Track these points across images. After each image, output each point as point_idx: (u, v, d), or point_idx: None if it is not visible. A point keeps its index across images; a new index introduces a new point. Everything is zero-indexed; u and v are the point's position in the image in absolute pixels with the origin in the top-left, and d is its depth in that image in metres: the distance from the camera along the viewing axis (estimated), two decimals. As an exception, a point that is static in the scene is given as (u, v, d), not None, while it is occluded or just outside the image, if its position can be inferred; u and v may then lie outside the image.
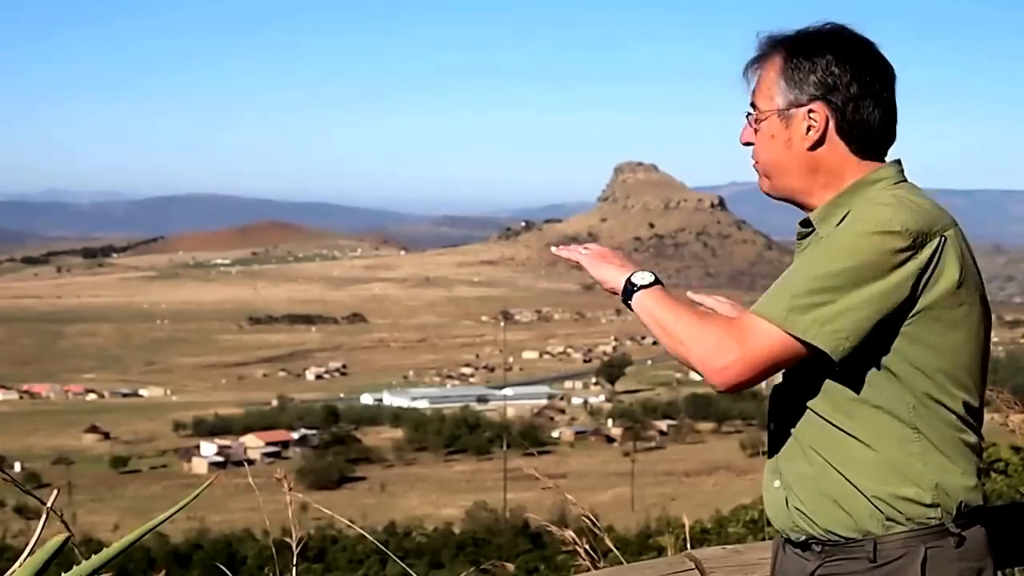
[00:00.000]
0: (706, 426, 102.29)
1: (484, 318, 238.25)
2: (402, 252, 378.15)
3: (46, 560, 1.62)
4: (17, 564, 1.64)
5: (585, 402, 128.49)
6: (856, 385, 2.03)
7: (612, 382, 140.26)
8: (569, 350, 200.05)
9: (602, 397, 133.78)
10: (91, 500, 69.11)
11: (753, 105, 2.17)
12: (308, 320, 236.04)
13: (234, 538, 43.16)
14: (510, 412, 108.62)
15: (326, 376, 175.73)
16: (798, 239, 2.20)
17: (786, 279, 2.03)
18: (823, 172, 2.12)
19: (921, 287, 1.98)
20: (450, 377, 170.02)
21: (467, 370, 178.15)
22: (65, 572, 1.64)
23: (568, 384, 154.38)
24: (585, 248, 2.28)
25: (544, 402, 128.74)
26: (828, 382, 2.05)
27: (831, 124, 2.09)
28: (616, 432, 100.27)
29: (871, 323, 1.96)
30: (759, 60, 2.17)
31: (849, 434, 2.05)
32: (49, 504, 1.75)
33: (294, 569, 3.01)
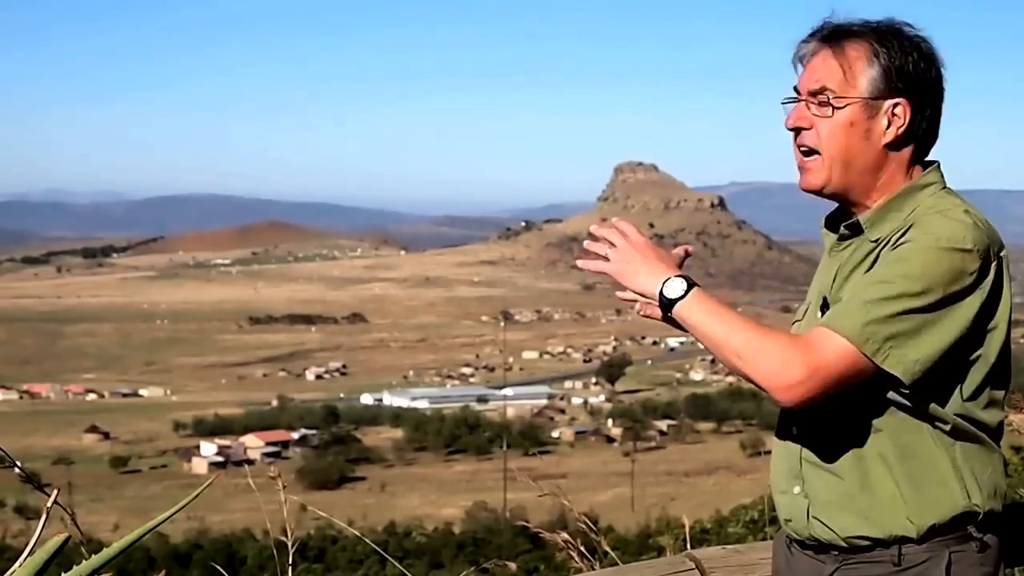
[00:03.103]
0: (706, 426, 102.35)
1: (484, 318, 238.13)
2: (402, 252, 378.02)
3: (46, 560, 1.61)
4: (17, 564, 1.63)
5: (585, 402, 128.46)
6: (898, 400, 2.00)
7: (612, 382, 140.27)
8: (569, 350, 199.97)
9: (602, 397, 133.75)
10: (91, 500, 69.09)
11: (820, 90, 2.05)
12: (308, 320, 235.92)
13: (234, 538, 43.11)
14: (510, 412, 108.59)
15: (326, 376, 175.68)
16: (839, 239, 2.13)
17: (858, 294, 1.93)
18: (887, 171, 2.06)
19: (981, 304, 1.95)
20: (450, 377, 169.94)
21: (467, 370, 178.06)
22: (65, 572, 1.63)
23: (568, 384, 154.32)
24: (609, 246, 2.09)
25: (544, 402, 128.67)
26: (867, 395, 1.99)
27: (906, 124, 2.04)
28: (616, 432, 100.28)
29: (943, 349, 1.92)
30: (836, 39, 2.06)
31: (883, 448, 2.02)
32: (49, 504, 1.74)
33: (291, 569, 3.00)
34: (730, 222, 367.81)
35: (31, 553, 1.63)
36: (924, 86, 2.04)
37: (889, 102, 2.02)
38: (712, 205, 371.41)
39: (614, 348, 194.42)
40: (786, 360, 1.88)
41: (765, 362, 1.89)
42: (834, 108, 2.03)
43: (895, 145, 2.05)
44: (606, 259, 2.08)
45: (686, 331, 2.05)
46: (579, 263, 2.16)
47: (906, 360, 1.89)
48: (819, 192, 2.10)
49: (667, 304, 2.00)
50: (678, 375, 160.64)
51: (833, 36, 2.06)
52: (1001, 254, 1.98)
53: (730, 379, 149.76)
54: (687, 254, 2.17)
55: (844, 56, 2.04)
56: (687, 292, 1.98)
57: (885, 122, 2.03)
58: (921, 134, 2.06)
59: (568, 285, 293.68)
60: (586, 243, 2.14)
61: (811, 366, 1.87)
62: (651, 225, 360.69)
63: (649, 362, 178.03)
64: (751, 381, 1.93)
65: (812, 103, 2.06)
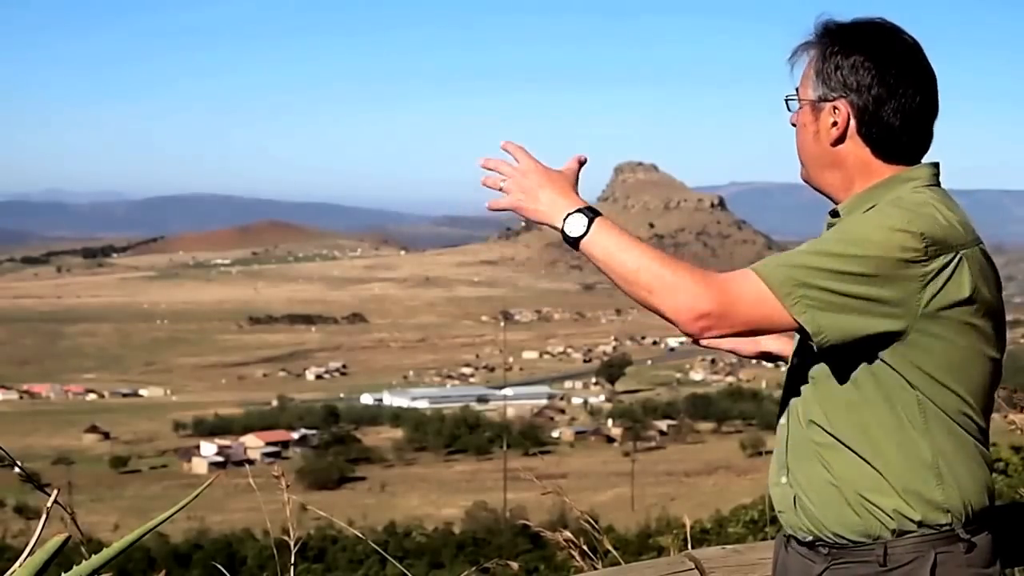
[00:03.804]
0: (706, 426, 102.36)
1: (484, 318, 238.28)
2: (402, 252, 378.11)
3: (46, 560, 1.61)
4: (17, 564, 1.63)
5: (585, 402, 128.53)
6: (868, 392, 2.02)
7: (612, 382, 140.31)
8: (569, 350, 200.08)
9: (602, 397, 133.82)
10: (91, 500, 69.13)
11: (797, 91, 2.18)
12: (308, 320, 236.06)
13: (234, 538, 43.14)
14: (510, 412, 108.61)
15: (326, 376, 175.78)
16: (828, 228, 2.16)
17: (792, 251, 2.00)
18: (847, 169, 2.11)
19: (927, 297, 1.95)
20: (450, 377, 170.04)
21: (467, 370, 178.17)
22: (65, 572, 1.63)
23: (568, 384, 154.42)
24: (506, 175, 2.10)
25: (544, 402, 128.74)
26: (843, 387, 2.03)
27: (852, 123, 2.09)
28: (616, 432, 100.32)
29: (859, 327, 1.94)
30: (804, 47, 2.16)
31: (862, 440, 2.04)
32: (49, 504, 1.75)
33: (292, 569, 3.01)
34: (730, 222, 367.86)
35: (31, 553, 1.63)
36: (868, 87, 2.07)
37: (829, 105, 2.09)
38: (712, 205, 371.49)
39: (614, 348, 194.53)
40: (697, 294, 1.89)
41: (676, 296, 1.90)
42: (797, 111, 2.17)
43: (842, 144, 2.10)
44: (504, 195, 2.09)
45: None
46: (488, 206, 2.12)
47: (815, 322, 1.92)
48: (812, 188, 2.21)
49: (572, 242, 1.99)
50: (678, 375, 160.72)
51: (807, 42, 2.15)
52: (965, 251, 1.98)
53: (730, 379, 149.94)
54: (581, 163, 2.12)
55: (805, 60, 2.15)
56: (589, 226, 1.98)
57: (830, 122, 2.10)
58: (877, 133, 2.09)
59: (568, 285, 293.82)
60: (483, 179, 2.11)
61: (723, 301, 1.88)
62: (651, 225, 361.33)
63: (649, 362, 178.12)
64: (659, 313, 1.94)
65: (789, 105, 2.20)
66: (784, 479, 2.14)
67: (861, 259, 1.91)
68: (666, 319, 1.94)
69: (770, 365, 2.56)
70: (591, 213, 1.98)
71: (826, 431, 2.06)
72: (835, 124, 2.09)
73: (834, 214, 2.15)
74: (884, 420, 2.03)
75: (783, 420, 2.17)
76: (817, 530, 2.08)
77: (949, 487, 2.02)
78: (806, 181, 2.21)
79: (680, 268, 1.92)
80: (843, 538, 2.05)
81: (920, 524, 2.01)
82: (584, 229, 1.97)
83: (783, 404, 2.19)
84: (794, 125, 2.18)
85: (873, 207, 2.04)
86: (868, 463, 2.03)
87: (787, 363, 2.36)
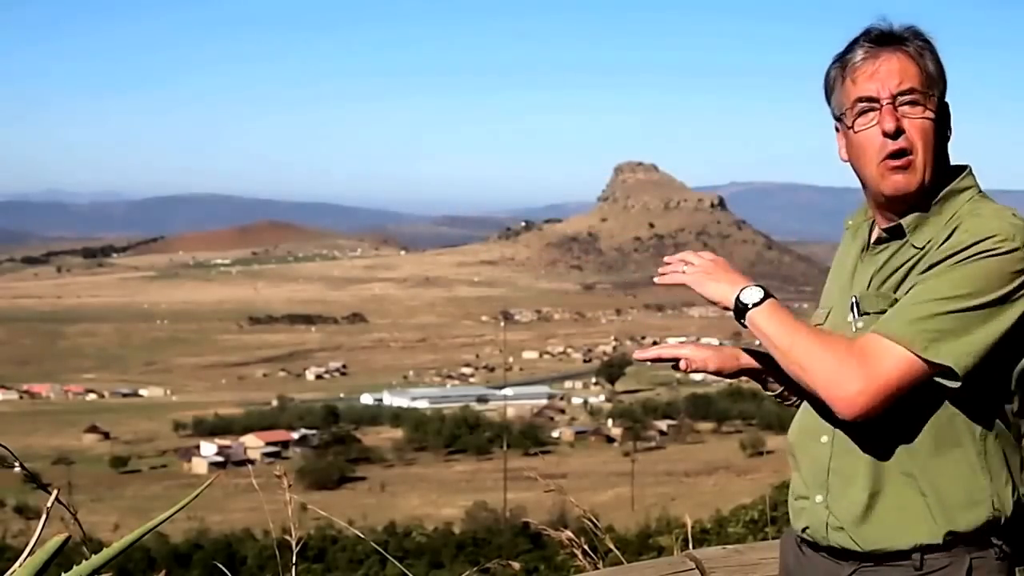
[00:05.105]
0: (706, 426, 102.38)
1: (484, 318, 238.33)
2: (402, 252, 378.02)
3: (46, 560, 1.61)
4: (17, 564, 1.63)
5: (585, 402, 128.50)
6: (919, 413, 2.00)
7: (612, 382, 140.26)
8: (569, 350, 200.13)
9: (602, 397, 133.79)
10: (91, 500, 69.07)
11: (908, 91, 2.03)
12: (308, 320, 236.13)
13: (234, 538, 43.16)
14: (510, 412, 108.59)
15: (326, 376, 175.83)
16: (876, 242, 2.12)
17: (911, 303, 1.95)
18: (939, 170, 2.07)
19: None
20: (450, 377, 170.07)
21: (467, 370, 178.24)
22: (65, 572, 1.63)
23: (568, 384, 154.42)
24: (687, 264, 2.18)
25: (544, 402, 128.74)
26: (894, 406, 1.97)
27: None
28: (616, 432, 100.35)
29: (993, 342, 1.93)
30: (901, 42, 2.06)
31: (913, 460, 2.02)
32: (49, 504, 1.75)
33: (293, 569, 3.01)
34: (730, 222, 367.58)
35: (31, 553, 1.63)
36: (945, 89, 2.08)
37: (947, 102, 2.08)
38: (712, 205, 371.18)
39: (614, 348, 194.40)
40: (842, 372, 1.91)
41: (822, 374, 1.93)
42: (925, 107, 2.03)
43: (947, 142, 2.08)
44: (682, 273, 2.18)
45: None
46: (656, 280, 2.23)
47: (956, 352, 1.90)
48: (911, 195, 2.05)
49: (742, 309, 2.06)
50: (678, 375, 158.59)
51: (895, 40, 2.06)
52: None
53: (730, 379, 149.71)
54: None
55: (918, 58, 2.05)
56: (763, 300, 2.05)
57: (948, 120, 2.08)
58: (949, 133, 2.09)
59: (568, 285, 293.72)
60: (664, 269, 2.22)
61: (869, 376, 1.90)
62: (651, 225, 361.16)
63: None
64: (814, 392, 1.97)
65: (902, 104, 2.03)
66: (820, 498, 2.10)
67: (981, 293, 1.91)
68: (822, 398, 1.96)
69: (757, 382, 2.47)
70: (768, 292, 2.07)
71: (874, 453, 2.03)
72: (949, 123, 2.09)
73: (893, 231, 2.08)
74: (934, 439, 2.01)
75: (824, 439, 2.09)
76: (850, 545, 2.05)
77: (995, 500, 2.01)
78: (907, 191, 2.05)
79: (829, 344, 1.95)
80: (878, 551, 2.03)
81: (961, 535, 2.01)
82: (758, 299, 2.05)
83: (825, 420, 2.09)
84: (915, 114, 2.04)
85: (954, 228, 1.99)
86: (917, 484, 2.01)
87: (764, 381, 2.35)
